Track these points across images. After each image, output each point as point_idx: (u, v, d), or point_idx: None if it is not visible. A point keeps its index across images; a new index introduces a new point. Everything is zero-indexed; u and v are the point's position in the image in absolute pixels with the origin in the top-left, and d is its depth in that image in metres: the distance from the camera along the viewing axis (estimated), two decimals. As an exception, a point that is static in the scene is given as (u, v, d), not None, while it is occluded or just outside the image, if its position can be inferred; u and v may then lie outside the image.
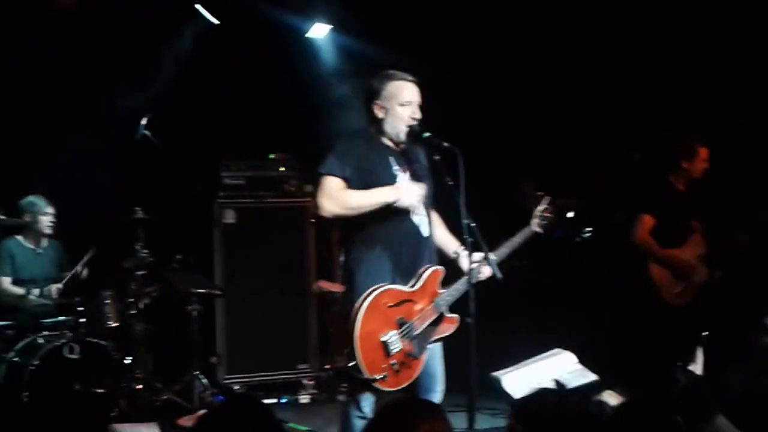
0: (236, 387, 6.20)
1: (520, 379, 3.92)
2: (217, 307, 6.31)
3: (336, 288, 6.29)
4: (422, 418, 2.25)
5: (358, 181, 3.76)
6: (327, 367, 6.36)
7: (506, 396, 3.88)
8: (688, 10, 6.08)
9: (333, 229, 6.38)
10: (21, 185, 5.87)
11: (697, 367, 3.30)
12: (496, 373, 3.96)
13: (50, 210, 5.79)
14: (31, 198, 5.78)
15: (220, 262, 6.35)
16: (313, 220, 6.50)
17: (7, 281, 5.67)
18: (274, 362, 6.38)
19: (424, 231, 3.89)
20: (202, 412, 5.53)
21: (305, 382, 6.38)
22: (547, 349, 4.18)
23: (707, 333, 3.30)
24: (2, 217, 5.50)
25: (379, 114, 3.84)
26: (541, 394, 2.76)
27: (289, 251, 6.51)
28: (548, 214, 4.14)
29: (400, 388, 3.69)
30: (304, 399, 6.27)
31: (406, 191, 3.75)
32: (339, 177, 3.74)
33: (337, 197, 3.72)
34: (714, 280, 5.40)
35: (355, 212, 3.72)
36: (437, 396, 3.90)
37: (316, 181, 3.84)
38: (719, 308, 5.16)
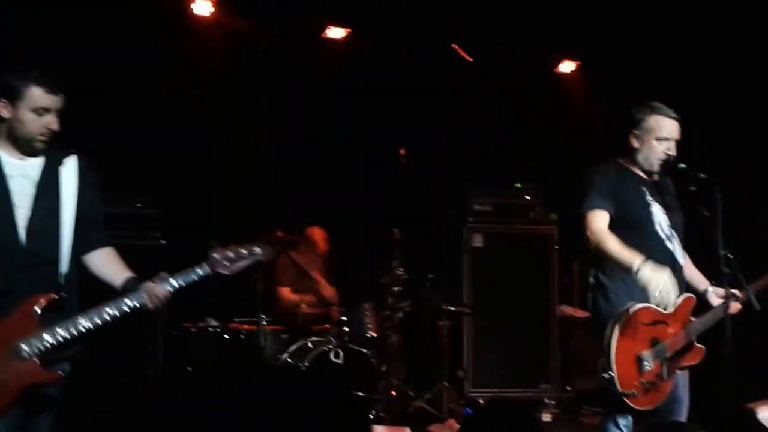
0: (480, 401, 6.42)
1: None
2: (465, 325, 6.60)
3: (578, 313, 6.44)
4: None
5: (615, 213, 3.81)
6: (568, 388, 6.50)
7: (761, 428, 3.86)
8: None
9: (574, 258, 6.61)
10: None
11: None
12: (751, 405, 3.97)
13: None
14: None
15: (467, 283, 6.64)
16: (556, 248, 6.68)
17: (287, 291, 6.33)
18: (516, 380, 6.57)
19: (679, 259, 3.89)
20: (451, 421, 5.93)
21: (546, 401, 6.52)
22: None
23: None
24: None
25: (635, 144, 3.88)
26: None
27: (533, 276, 6.68)
28: None
29: (649, 408, 3.64)
30: (546, 417, 6.40)
31: (651, 276, 3.64)
32: (605, 210, 3.80)
33: (600, 236, 3.75)
34: None
35: (599, 254, 3.77)
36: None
37: (579, 218, 3.86)
38: None
